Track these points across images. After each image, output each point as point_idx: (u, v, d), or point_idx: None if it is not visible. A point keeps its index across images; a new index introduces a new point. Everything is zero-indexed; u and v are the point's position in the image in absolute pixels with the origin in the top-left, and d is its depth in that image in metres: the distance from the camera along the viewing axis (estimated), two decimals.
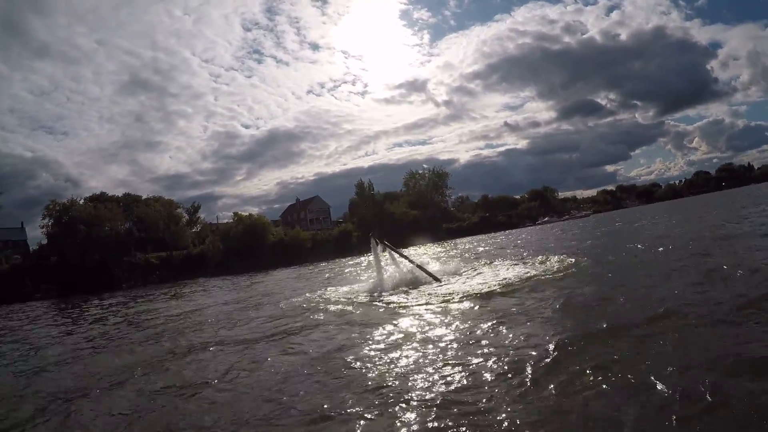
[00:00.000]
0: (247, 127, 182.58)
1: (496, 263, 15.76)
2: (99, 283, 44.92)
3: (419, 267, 13.22)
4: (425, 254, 32.05)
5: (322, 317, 9.69)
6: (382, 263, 14.55)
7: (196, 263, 56.63)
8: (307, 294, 14.68)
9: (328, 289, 15.61)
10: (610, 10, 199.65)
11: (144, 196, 68.12)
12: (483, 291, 9.83)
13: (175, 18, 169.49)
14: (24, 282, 44.27)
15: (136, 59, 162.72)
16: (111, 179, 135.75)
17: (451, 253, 29.11)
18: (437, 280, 12.37)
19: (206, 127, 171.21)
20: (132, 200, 66.29)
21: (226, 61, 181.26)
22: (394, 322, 7.93)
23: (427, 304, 9.40)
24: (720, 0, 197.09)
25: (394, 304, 9.92)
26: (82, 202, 57.88)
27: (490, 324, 6.66)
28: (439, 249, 40.56)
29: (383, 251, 15.08)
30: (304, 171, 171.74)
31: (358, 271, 22.80)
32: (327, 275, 24.52)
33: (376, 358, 5.79)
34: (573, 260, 12.98)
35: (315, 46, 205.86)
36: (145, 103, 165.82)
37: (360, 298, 12.05)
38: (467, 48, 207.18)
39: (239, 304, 15.59)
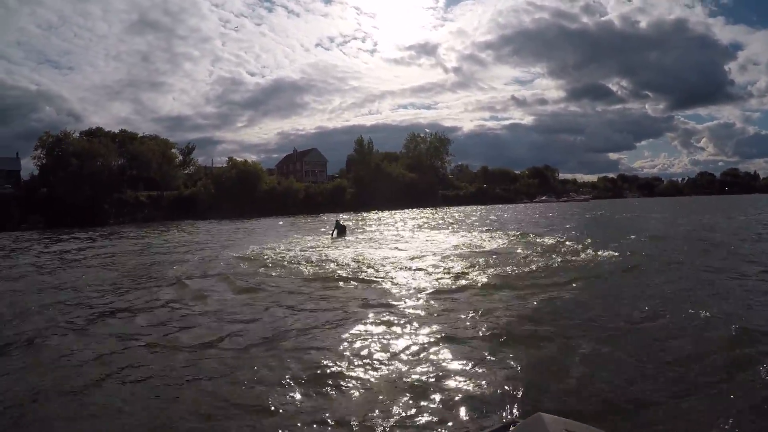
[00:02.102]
0: (252, 74, 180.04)
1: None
2: (87, 217, 45.17)
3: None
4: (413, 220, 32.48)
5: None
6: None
7: (186, 205, 56.73)
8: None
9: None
10: None
11: (140, 134, 67.48)
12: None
13: None
14: (11, 212, 44.41)
15: None
16: (113, 117, 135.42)
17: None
18: None
19: (212, 71, 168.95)
20: (128, 137, 65.69)
21: (237, 7, 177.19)
22: None
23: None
24: (747, 1, 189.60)
25: None
26: (77, 135, 57.48)
27: None
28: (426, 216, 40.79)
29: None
30: (305, 123, 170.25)
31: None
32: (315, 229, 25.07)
33: None
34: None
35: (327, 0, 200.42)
36: (153, 44, 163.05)
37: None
38: (482, 16, 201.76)
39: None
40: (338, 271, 9.95)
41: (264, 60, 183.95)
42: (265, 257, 13.02)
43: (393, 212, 51.01)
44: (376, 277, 9.19)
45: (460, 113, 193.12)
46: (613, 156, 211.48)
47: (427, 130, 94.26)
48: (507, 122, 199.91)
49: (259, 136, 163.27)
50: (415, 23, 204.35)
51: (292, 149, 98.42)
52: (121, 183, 55.90)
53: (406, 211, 54.81)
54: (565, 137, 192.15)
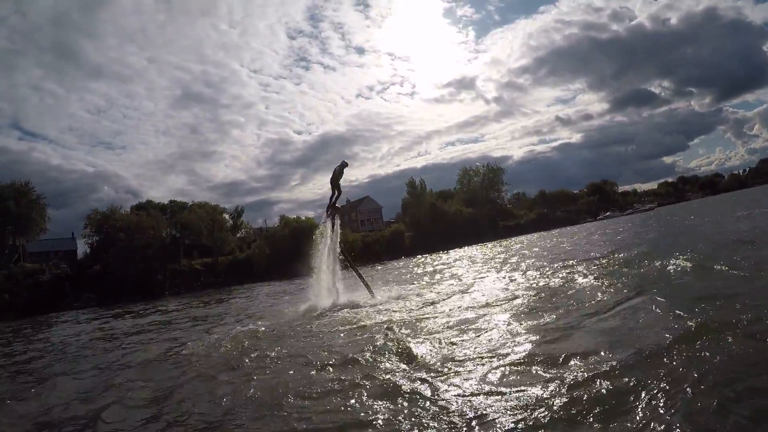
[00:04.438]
0: (299, 133, 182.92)
1: None
2: (140, 290, 42.75)
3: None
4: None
5: None
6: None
7: (243, 268, 53.98)
8: None
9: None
10: None
11: (190, 203, 66.34)
12: None
13: (221, 32, 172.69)
14: (65, 291, 42.69)
15: (186, 73, 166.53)
16: (169, 189, 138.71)
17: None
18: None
19: (259, 135, 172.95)
20: (178, 207, 64.76)
21: (275, 70, 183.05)
22: None
23: None
24: None
25: None
26: (125, 210, 56.59)
27: None
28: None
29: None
30: (357, 174, 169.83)
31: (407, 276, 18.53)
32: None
33: None
34: None
35: (361, 50, 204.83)
36: (199, 115, 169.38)
37: None
38: (513, 42, 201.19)
39: None
40: None
41: (308, 117, 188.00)
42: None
43: (455, 250, 46.58)
44: None
45: (507, 142, 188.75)
46: (667, 160, 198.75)
47: (477, 164, 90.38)
48: (556, 143, 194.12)
49: (314, 192, 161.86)
50: (450, 60, 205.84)
51: (345, 200, 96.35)
52: (176, 253, 53.89)
53: (474, 247, 50.00)
54: (616, 149, 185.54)
